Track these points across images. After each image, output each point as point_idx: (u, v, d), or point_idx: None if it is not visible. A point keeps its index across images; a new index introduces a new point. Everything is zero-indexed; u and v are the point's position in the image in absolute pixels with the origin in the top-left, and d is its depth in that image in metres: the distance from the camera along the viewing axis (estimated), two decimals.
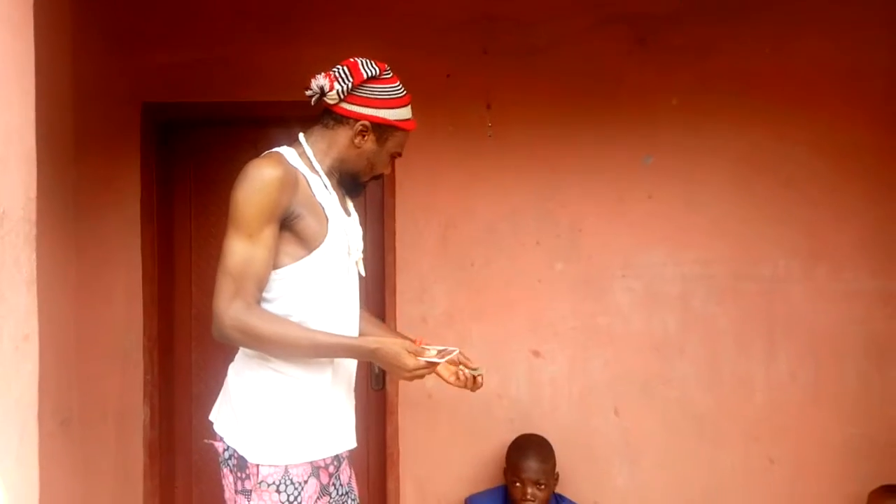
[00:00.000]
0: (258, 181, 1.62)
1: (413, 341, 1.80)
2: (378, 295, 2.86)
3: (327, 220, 1.71)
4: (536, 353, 2.84)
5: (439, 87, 2.81)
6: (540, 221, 2.85)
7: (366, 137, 1.75)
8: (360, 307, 1.89)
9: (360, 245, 1.85)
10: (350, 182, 1.83)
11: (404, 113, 1.78)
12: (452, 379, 1.85)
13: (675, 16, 2.81)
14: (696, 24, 2.81)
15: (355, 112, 1.72)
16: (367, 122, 1.73)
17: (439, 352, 1.73)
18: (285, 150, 1.74)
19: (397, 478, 2.84)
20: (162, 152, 2.93)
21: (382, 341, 1.70)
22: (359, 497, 1.97)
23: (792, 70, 2.82)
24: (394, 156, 1.86)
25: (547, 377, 2.83)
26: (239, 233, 1.62)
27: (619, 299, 2.83)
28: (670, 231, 2.83)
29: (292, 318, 1.68)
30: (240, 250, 1.61)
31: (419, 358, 1.68)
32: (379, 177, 1.88)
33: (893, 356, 2.77)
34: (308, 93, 1.71)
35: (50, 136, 2.44)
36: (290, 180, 1.66)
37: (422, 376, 1.70)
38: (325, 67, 1.71)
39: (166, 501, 2.94)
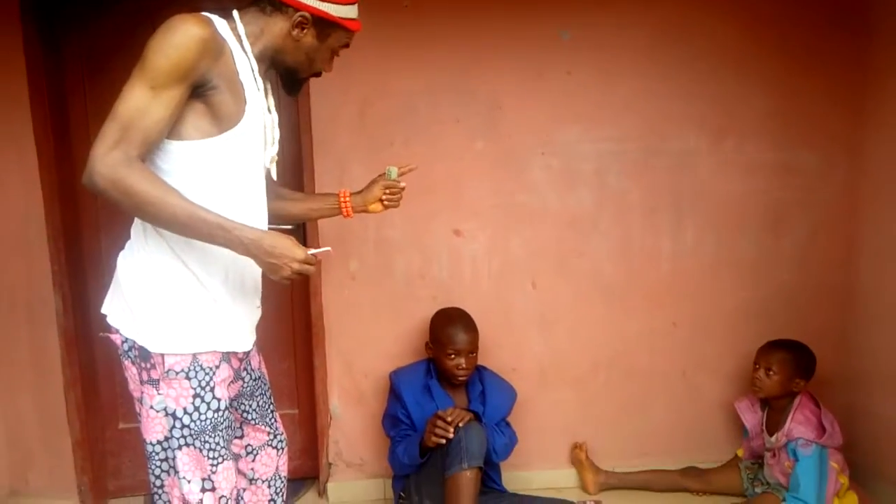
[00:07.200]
0: (180, 34, 1.45)
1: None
2: (296, 178, 2.78)
3: (245, 102, 1.58)
4: (457, 232, 2.87)
5: None
6: (459, 98, 2.79)
7: (305, 31, 1.61)
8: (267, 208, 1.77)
9: (277, 145, 1.74)
10: (287, 77, 1.71)
11: (350, 11, 1.64)
12: (381, 207, 2.04)
13: None
14: None
15: (297, 1, 1.58)
16: (307, 14, 1.59)
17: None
18: (216, 18, 1.56)
19: (323, 354, 2.91)
20: (46, 27, 2.65)
21: (269, 231, 1.58)
22: (286, 371, 1.97)
23: None
24: (335, 52, 1.72)
25: (468, 255, 2.89)
26: (142, 81, 1.45)
27: (537, 177, 2.87)
28: (587, 108, 2.84)
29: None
30: (137, 99, 1.45)
31: (308, 251, 1.59)
32: (318, 74, 1.75)
33: (787, 225, 2.94)
34: None
35: None
36: (216, 46, 1.51)
37: (307, 273, 1.59)
38: None
39: (89, 389, 2.91)
